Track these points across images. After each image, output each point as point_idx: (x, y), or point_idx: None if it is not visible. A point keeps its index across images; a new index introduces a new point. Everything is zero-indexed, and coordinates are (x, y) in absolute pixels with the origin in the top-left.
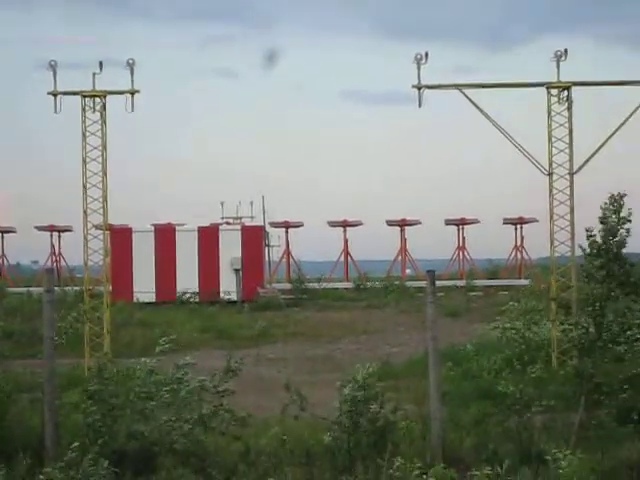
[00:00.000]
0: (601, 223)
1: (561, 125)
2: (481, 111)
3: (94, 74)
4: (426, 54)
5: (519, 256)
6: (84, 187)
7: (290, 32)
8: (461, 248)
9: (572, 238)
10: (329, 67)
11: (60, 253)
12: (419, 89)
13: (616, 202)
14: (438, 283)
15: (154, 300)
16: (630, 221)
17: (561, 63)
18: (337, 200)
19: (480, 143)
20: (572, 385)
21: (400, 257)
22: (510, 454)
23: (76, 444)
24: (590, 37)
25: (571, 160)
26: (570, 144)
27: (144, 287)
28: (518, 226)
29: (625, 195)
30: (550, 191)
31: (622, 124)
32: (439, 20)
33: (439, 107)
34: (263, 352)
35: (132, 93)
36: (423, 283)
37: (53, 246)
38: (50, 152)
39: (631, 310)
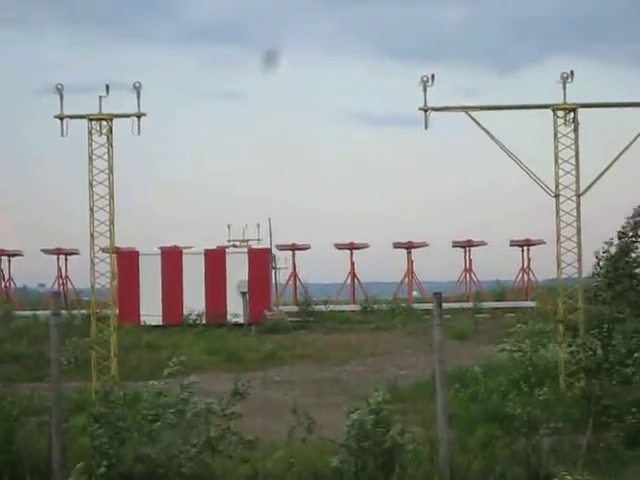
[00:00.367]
0: (619, 239)
1: (567, 147)
2: (487, 133)
3: (100, 97)
4: (432, 76)
5: (526, 278)
6: (91, 210)
7: (294, 53)
8: (468, 270)
9: (579, 260)
10: (334, 88)
11: (67, 276)
12: (425, 111)
13: (635, 216)
14: (445, 305)
15: (161, 323)
16: None
17: (567, 85)
18: (343, 222)
19: (487, 165)
20: (580, 407)
21: (407, 279)
22: (518, 477)
23: (80, 465)
24: (597, 58)
25: (578, 182)
26: (577, 166)
27: (151, 310)
28: (525, 248)
29: None
30: (557, 213)
31: (629, 145)
32: (444, 41)
33: (445, 129)
34: (270, 375)
35: (138, 116)
36: (430, 305)
37: (60, 269)
38: (57, 175)
39: (639, 332)
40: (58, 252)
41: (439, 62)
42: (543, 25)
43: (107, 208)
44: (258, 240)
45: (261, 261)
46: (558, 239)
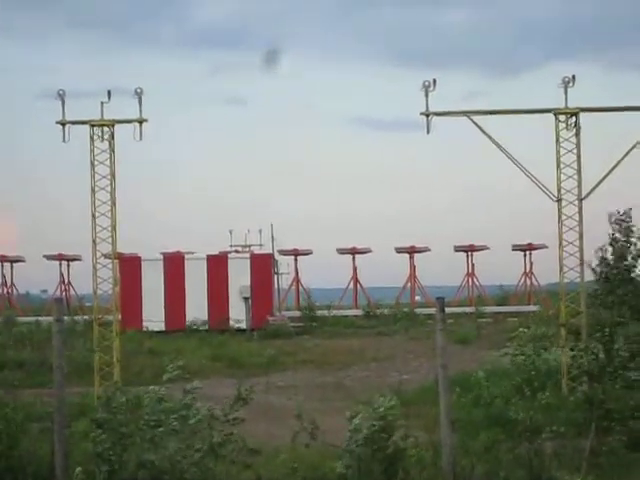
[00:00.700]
0: (610, 245)
1: (569, 151)
2: (489, 137)
3: (102, 103)
4: (434, 81)
5: (528, 282)
6: (93, 216)
7: (296, 57)
8: (470, 275)
9: (581, 264)
10: (336, 93)
11: (69, 282)
12: (427, 116)
13: (623, 221)
14: (447, 310)
15: (163, 329)
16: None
17: (569, 89)
18: (345, 227)
19: (488, 169)
20: (582, 411)
21: (409, 284)
22: None
23: (79, 469)
24: (598, 62)
25: (580, 186)
26: (578, 170)
27: (153, 316)
28: (527, 252)
29: (631, 210)
30: (559, 217)
31: (631, 149)
32: (447, 46)
33: (447, 133)
34: (273, 380)
35: (140, 122)
36: (432, 310)
37: (62, 275)
38: (58, 181)
39: None
40: (60, 258)
41: (442, 66)
42: (546, 29)
43: (109, 214)
44: (260, 245)
45: (263, 266)
46: (560, 243)
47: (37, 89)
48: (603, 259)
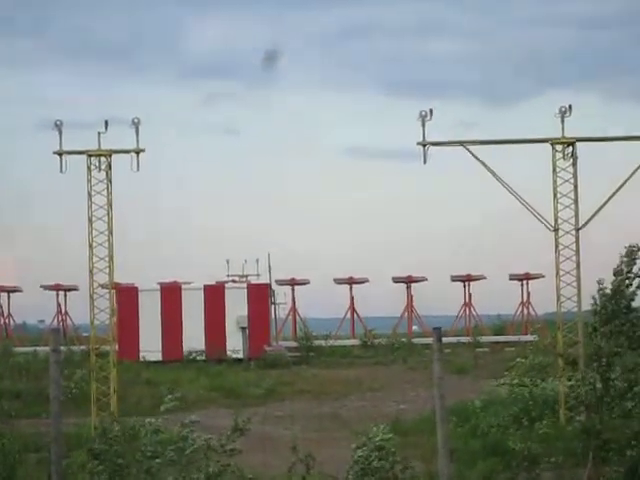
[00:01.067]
0: (614, 275)
1: (566, 181)
2: (486, 167)
3: (99, 133)
4: (430, 111)
5: (525, 312)
6: (90, 246)
7: (291, 87)
8: (467, 304)
9: (578, 294)
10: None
11: (66, 312)
12: (424, 146)
13: (633, 254)
14: (445, 340)
15: (160, 359)
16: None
17: (566, 119)
18: (342, 257)
19: (485, 199)
20: (580, 441)
21: (406, 314)
22: None
23: None
24: (595, 92)
25: (577, 216)
26: (576, 200)
27: (150, 346)
28: (524, 282)
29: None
30: (556, 247)
31: (628, 179)
32: (442, 76)
33: (444, 163)
34: (270, 410)
35: (137, 152)
36: (430, 340)
37: (59, 305)
38: (55, 211)
39: (639, 366)
40: (57, 288)
41: (437, 96)
42: (542, 59)
43: (106, 244)
44: (257, 275)
45: (260, 296)
46: (557, 273)
47: (35, 119)
48: (601, 290)
